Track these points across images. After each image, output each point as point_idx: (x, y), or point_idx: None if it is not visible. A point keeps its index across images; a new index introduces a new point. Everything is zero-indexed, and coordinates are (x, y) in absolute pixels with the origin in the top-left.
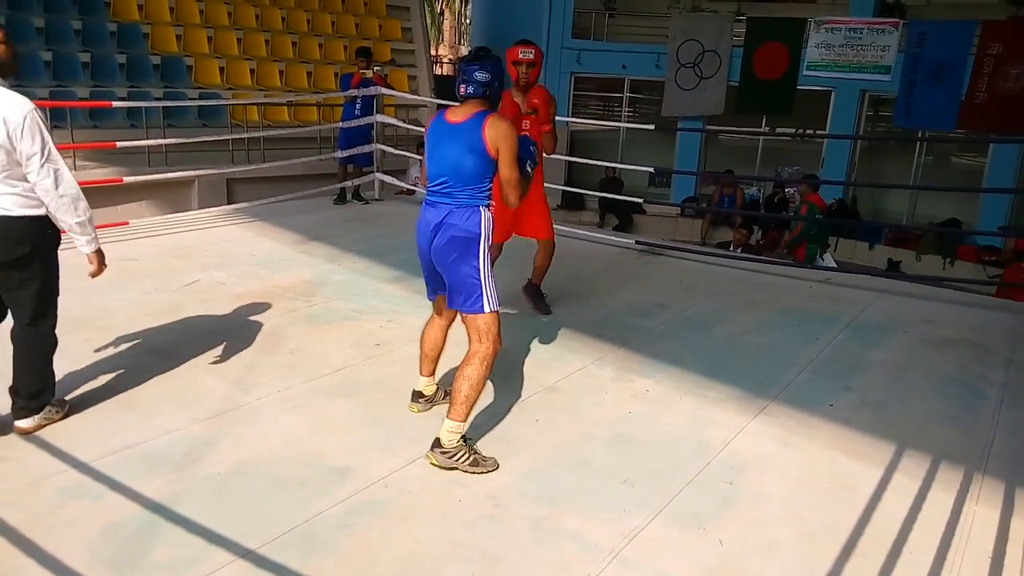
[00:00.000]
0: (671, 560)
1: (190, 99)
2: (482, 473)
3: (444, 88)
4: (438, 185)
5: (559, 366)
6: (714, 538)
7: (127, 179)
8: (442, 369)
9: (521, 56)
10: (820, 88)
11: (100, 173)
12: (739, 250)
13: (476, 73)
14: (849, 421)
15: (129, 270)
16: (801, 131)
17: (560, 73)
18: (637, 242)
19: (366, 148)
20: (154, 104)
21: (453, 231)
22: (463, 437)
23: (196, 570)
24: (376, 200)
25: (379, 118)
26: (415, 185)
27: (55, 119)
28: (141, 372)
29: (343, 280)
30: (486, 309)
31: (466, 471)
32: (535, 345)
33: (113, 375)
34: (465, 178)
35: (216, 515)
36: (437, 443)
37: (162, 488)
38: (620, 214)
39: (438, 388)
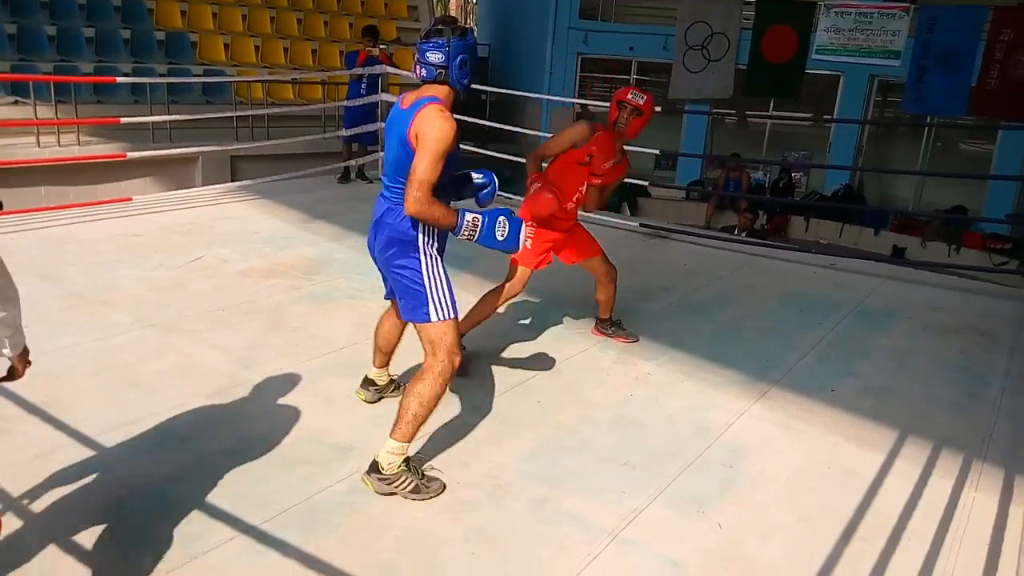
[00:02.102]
0: (670, 542)
1: (194, 75)
2: (425, 499)
3: None
4: (385, 177)
5: (561, 348)
6: (713, 521)
7: (131, 155)
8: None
9: (630, 98)
10: (829, 72)
11: (104, 149)
12: (744, 234)
13: (428, 53)
14: (851, 406)
15: (133, 246)
16: (809, 116)
17: (567, 54)
18: (641, 225)
19: (371, 127)
20: (158, 80)
21: (388, 231)
22: (406, 459)
23: (198, 545)
24: (379, 179)
25: (384, 97)
26: None
27: (60, 94)
28: (145, 348)
29: (346, 259)
30: (433, 318)
31: (406, 498)
32: (537, 327)
33: (117, 351)
34: (402, 173)
35: (219, 491)
36: (375, 466)
37: (165, 464)
38: (625, 197)
39: (391, 380)
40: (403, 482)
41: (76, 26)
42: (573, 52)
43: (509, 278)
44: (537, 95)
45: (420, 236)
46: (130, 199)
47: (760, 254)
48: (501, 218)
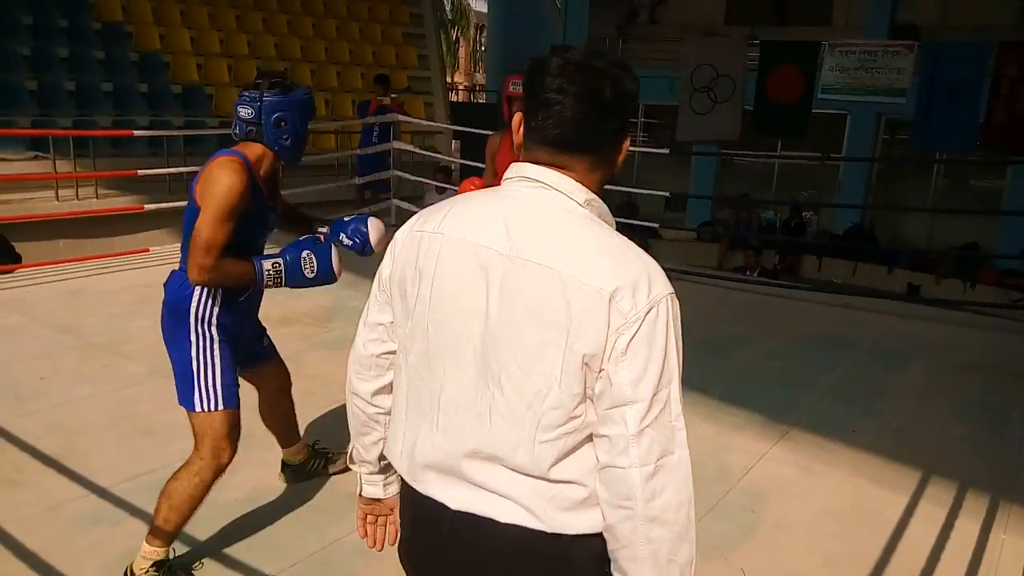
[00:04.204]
0: None
1: (211, 128)
2: None
3: (459, 115)
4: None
5: None
6: (736, 567)
7: (148, 206)
8: None
9: (512, 89)
10: (836, 112)
11: (122, 201)
12: (756, 273)
13: (239, 108)
14: (872, 447)
15: (149, 297)
16: (817, 155)
17: None
18: None
19: (383, 174)
20: (175, 133)
21: (165, 296)
22: (158, 564)
23: None
24: (392, 226)
25: (396, 145)
26: None
27: (79, 148)
28: (159, 398)
29: (360, 306)
30: (198, 408)
31: None
32: None
33: (131, 401)
34: (186, 235)
35: (234, 541)
36: (127, 572)
37: None
38: (636, 239)
39: (308, 456)
40: None
41: (95, 81)
42: None
43: None
44: None
45: (194, 307)
46: (147, 250)
47: (774, 294)
48: (305, 253)
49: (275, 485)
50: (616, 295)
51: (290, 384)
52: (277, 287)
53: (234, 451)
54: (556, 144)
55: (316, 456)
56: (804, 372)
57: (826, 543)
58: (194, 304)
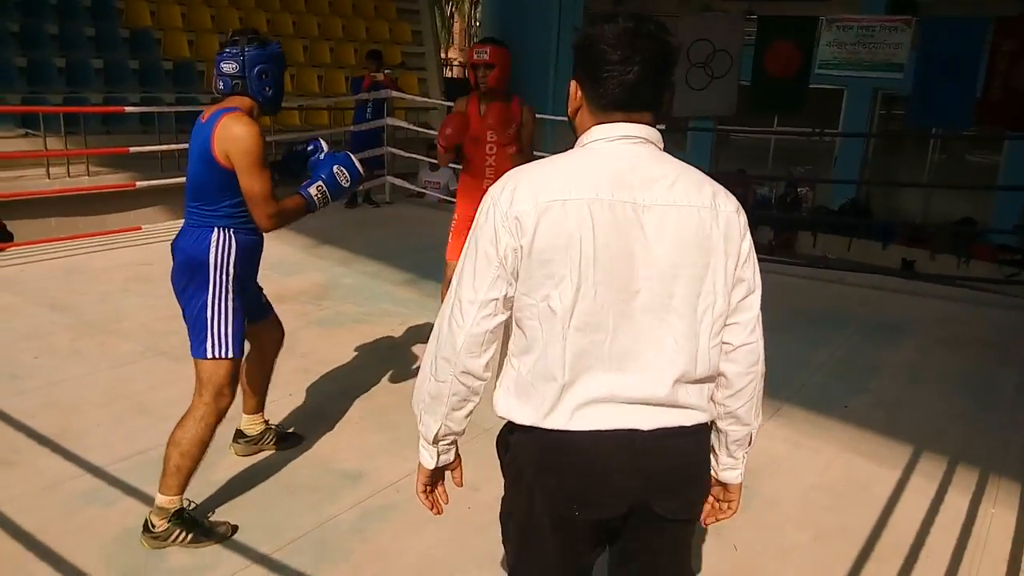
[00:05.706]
0: None
1: (202, 104)
2: (211, 544)
3: (454, 90)
4: (186, 196)
5: None
6: (728, 542)
7: (140, 184)
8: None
9: (476, 57)
10: (833, 87)
11: (113, 179)
12: None
13: (222, 64)
14: (864, 422)
15: (142, 275)
16: (814, 130)
17: (571, 74)
18: None
19: (377, 151)
20: (166, 109)
21: (180, 255)
22: (177, 512)
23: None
24: (387, 203)
25: (390, 121)
26: (425, 188)
27: (69, 125)
28: (154, 376)
29: (354, 283)
30: (209, 355)
31: (188, 547)
32: None
33: (126, 379)
34: (198, 191)
35: (229, 520)
36: (146, 526)
37: None
38: None
39: (267, 428)
40: (176, 536)
41: (85, 58)
42: None
43: (446, 278)
44: (540, 115)
45: (212, 258)
46: (139, 228)
47: (769, 270)
48: (336, 168)
49: (269, 464)
50: (738, 212)
51: (283, 337)
52: (326, 205)
53: (233, 397)
54: (627, 105)
55: (270, 430)
56: (797, 348)
57: (817, 517)
58: (212, 255)
